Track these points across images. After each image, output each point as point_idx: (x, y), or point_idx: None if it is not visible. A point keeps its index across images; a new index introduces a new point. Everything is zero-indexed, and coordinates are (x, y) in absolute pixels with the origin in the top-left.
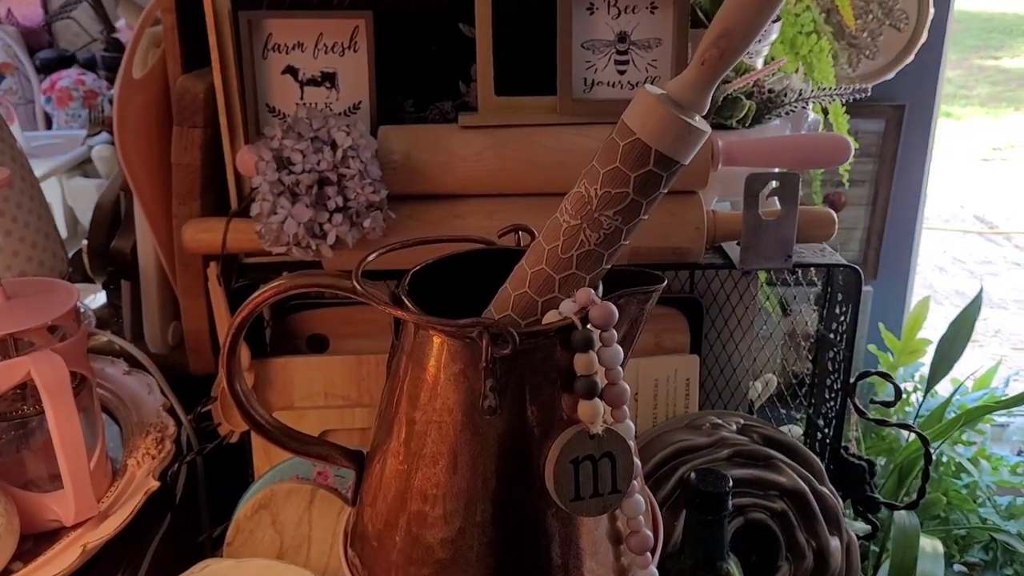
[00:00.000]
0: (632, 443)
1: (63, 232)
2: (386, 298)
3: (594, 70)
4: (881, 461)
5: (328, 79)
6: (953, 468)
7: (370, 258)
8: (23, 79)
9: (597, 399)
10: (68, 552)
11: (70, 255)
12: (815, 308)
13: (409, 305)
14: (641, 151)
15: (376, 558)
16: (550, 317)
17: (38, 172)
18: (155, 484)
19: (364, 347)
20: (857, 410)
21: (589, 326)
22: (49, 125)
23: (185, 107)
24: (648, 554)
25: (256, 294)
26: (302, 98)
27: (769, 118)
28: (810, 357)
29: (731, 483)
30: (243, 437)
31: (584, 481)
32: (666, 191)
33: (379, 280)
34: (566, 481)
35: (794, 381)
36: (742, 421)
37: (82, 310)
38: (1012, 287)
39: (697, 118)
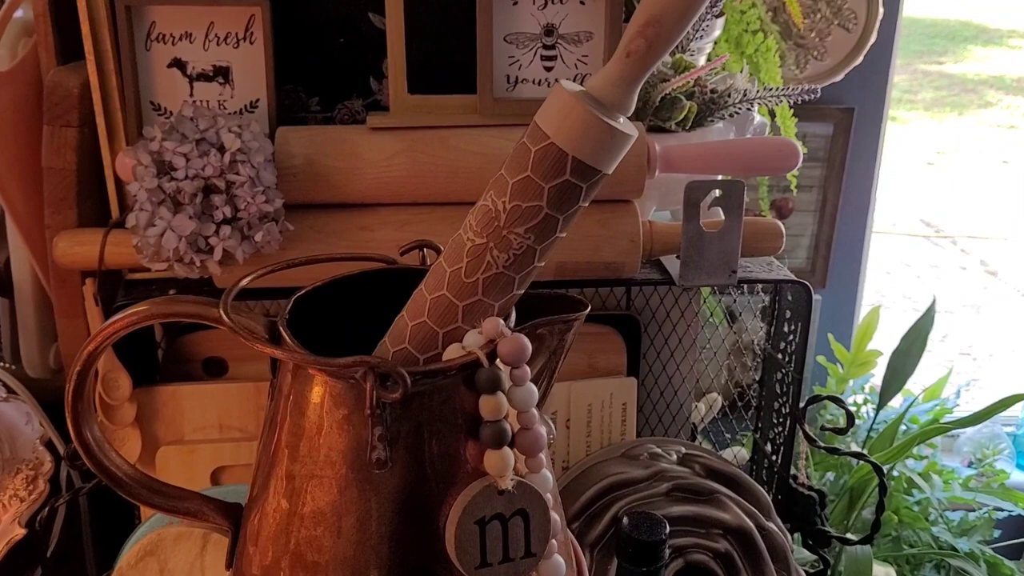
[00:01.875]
0: (549, 496)
1: None
2: (260, 329)
3: (518, 66)
4: (830, 476)
5: (221, 74)
6: (904, 484)
7: (244, 282)
8: None
9: (507, 448)
10: None
11: None
12: (762, 320)
13: (286, 339)
14: (556, 158)
15: None
16: (452, 352)
17: None
18: (20, 532)
19: (265, 373)
20: (808, 438)
21: (498, 362)
22: None
23: (56, 103)
24: None
25: (104, 326)
26: (192, 95)
27: (711, 120)
28: (756, 373)
29: (667, 529)
30: None
31: (492, 544)
32: (587, 204)
33: (278, 298)
34: (470, 545)
35: (738, 397)
36: (683, 450)
37: None
38: (959, 291)
39: (622, 120)
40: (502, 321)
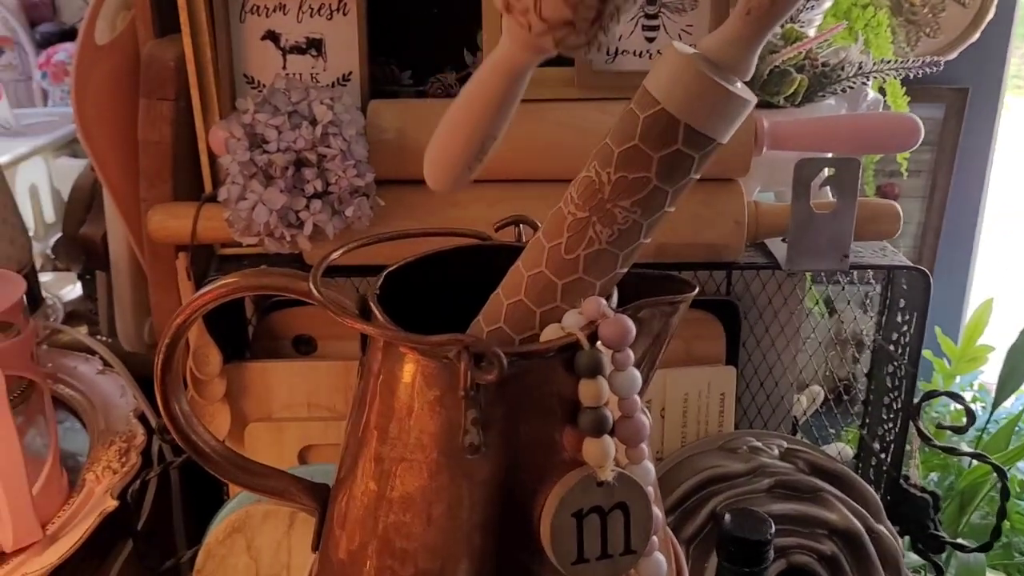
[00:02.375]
0: (651, 490)
1: (50, 216)
2: (350, 305)
3: (618, 37)
4: (933, 477)
5: (314, 46)
6: (1017, 487)
7: (335, 255)
8: (22, 53)
9: (607, 436)
10: None
11: (54, 241)
12: (866, 310)
13: (377, 315)
14: (667, 125)
15: None
16: (549, 333)
17: (21, 151)
18: (112, 504)
19: (354, 352)
20: (922, 436)
21: (599, 345)
22: (47, 102)
23: (153, 77)
24: None
25: (194, 297)
26: (285, 68)
27: (822, 96)
28: (857, 364)
29: (773, 528)
30: None
31: (590, 539)
32: (697, 177)
33: (368, 275)
34: (567, 539)
35: (844, 390)
36: (785, 444)
37: (51, 303)
38: None
39: (739, 84)
40: (604, 301)
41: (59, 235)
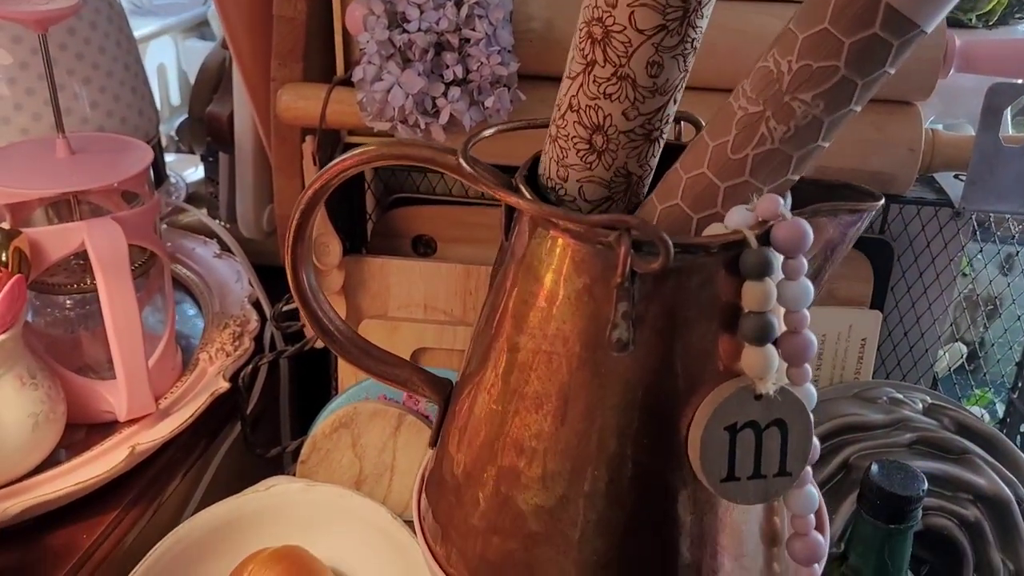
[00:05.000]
0: (812, 415)
1: (175, 98)
2: (502, 177)
3: None
4: None
5: None
6: None
7: (487, 133)
8: None
9: (771, 346)
10: (116, 452)
11: (179, 123)
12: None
13: (526, 194)
14: (865, 4)
15: (452, 516)
16: (712, 231)
17: (149, 29)
18: (224, 386)
19: (475, 256)
20: None
21: (769, 249)
22: None
23: None
24: (815, 566)
25: (336, 161)
26: None
27: (1020, 18)
28: (987, 330)
29: (926, 486)
30: None
31: (742, 456)
32: (892, 72)
33: None
34: (717, 454)
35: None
36: (929, 400)
37: (174, 181)
38: None
39: None
40: (782, 200)
41: (184, 117)
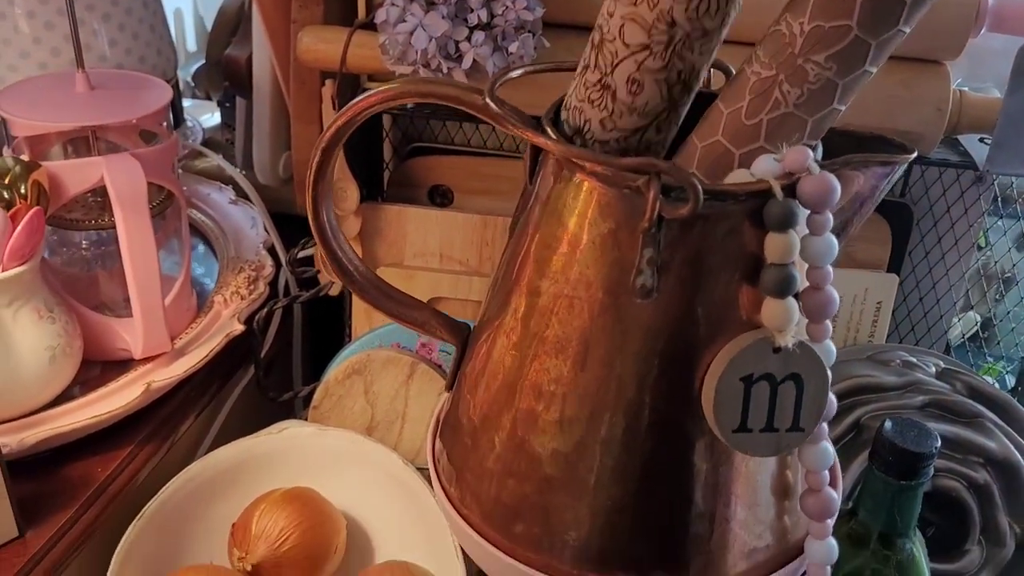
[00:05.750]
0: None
1: (191, 44)
2: (528, 118)
3: None
4: None
5: None
6: None
7: (514, 74)
8: None
9: (792, 299)
10: (131, 388)
11: (195, 69)
12: (1020, 247)
13: (552, 135)
14: None
15: (467, 459)
16: (736, 177)
17: None
18: (239, 328)
19: (492, 208)
20: None
21: (794, 201)
22: None
23: None
24: (828, 521)
25: (360, 98)
26: None
27: None
28: (999, 303)
29: (939, 443)
30: (343, 291)
31: (756, 408)
32: (907, 31)
33: None
34: (731, 404)
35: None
36: (942, 364)
37: (191, 125)
38: None
39: None
40: (811, 153)
41: (200, 63)
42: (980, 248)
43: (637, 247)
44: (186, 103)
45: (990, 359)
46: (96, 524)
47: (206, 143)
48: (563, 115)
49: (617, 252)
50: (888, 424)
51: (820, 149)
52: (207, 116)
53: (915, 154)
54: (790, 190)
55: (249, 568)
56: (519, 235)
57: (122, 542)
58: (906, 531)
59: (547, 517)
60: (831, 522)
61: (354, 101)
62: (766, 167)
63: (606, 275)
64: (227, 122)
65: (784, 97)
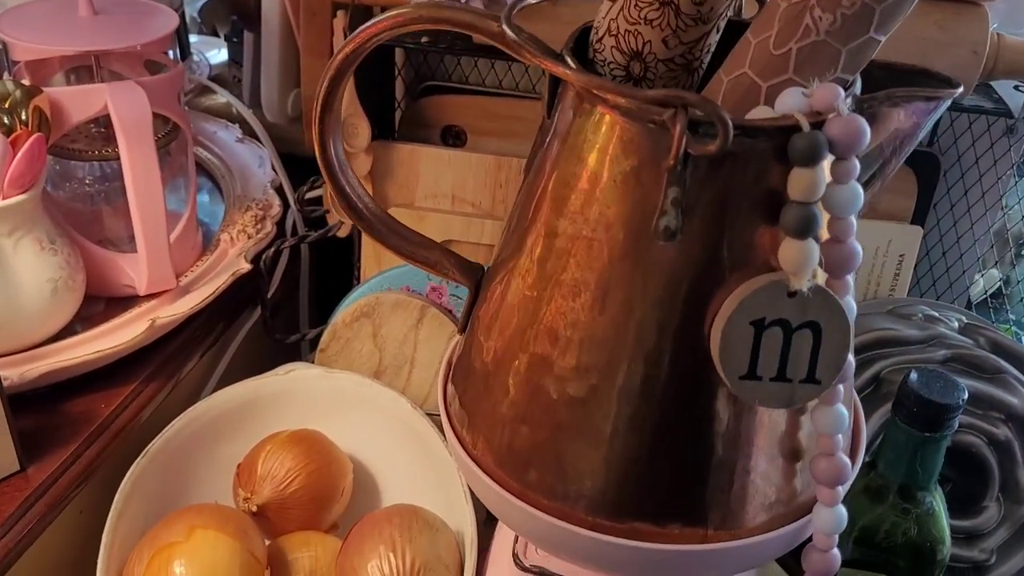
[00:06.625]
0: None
1: None
2: (547, 47)
3: None
4: None
5: None
6: None
7: (532, 0)
8: None
9: (812, 241)
10: (136, 324)
11: (201, 4)
12: None
13: (572, 66)
14: None
15: (479, 404)
16: (758, 113)
17: None
18: (245, 267)
19: (506, 150)
20: None
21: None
22: None
23: None
24: (838, 488)
25: (369, 24)
26: None
27: None
28: (1014, 267)
29: (965, 395)
30: (352, 232)
31: (767, 355)
32: None
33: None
34: (739, 349)
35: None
36: (964, 319)
37: (197, 59)
38: None
39: None
40: (842, 92)
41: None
42: (1000, 209)
43: (661, 186)
44: (192, 39)
45: (1012, 316)
46: (99, 460)
47: (213, 80)
48: (607, 42)
49: (640, 191)
50: (914, 375)
51: (859, 83)
52: (213, 52)
53: (961, 88)
54: (818, 128)
55: (254, 509)
56: (536, 172)
57: (126, 479)
58: (927, 484)
59: (562, 464)
60: (842, 489)
61: (364, 26)
62: (792, 102)
63: (627, 215)
64: (234, 59)
65: (815, 24)
